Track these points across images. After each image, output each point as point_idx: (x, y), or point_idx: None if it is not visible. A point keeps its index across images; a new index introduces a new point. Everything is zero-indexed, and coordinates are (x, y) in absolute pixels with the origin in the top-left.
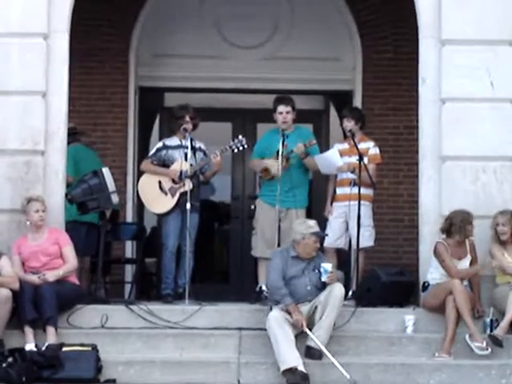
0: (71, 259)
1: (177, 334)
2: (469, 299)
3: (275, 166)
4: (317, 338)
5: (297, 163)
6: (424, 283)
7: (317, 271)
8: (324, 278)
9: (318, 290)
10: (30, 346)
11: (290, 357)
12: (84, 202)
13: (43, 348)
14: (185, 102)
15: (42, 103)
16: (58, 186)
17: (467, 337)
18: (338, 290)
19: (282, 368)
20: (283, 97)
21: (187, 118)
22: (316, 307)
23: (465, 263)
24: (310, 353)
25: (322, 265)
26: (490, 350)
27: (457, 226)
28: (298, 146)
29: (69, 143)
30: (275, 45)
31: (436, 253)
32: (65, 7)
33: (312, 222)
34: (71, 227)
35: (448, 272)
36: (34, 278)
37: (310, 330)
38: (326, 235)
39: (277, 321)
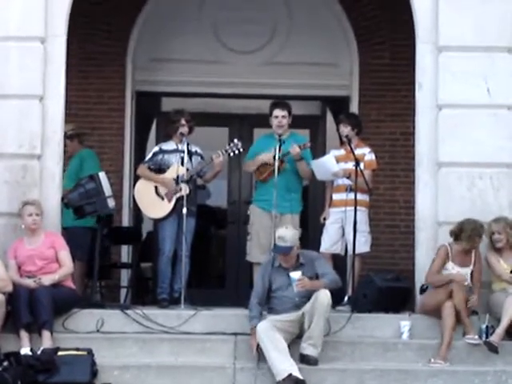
0: (67, 263)
1: (172, 338)
2: (465, 300)
3: (268, 155)
4: (309, 347)
5: (291, 168)
6: (422, 286)
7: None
8: (295, 289)
9: (308, 300)
10: (25, 350)
11: (283, 366)
12: (81, 207)
13: (38, 352)
14: (180, 107)
15: (39, 107)
16: (54, 190)
17: (464, 336)
18: (322, 296)
19: (277, 379)
20: (279, 101)
21: (183, 122)
22: (304, 316)
23: (466, 271)
24: (306, 359)
25: (290, 274)
26: (480, 341)
27: (466, 234)
28: (293, 146)
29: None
30: (273, 50)
31: (436, 252)
32: (62, 11)
33: (281, 233)
34: (74, 233)
35: (429, 271)
36: (29, 282)
37: (301, 337)
38: (285, 250)
39: (266, 332)
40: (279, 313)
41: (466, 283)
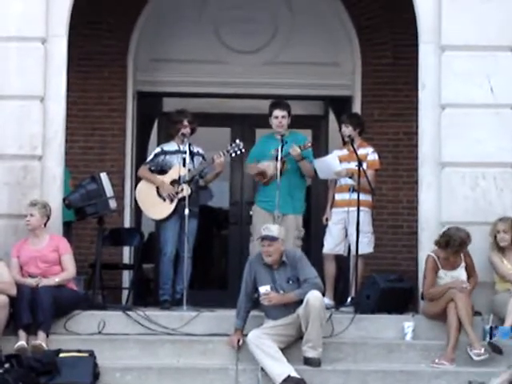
0: (70, 267)
1: (174, 340)
2: (470, 307)
3: (271, 166)
4: (309, 350)
5: (294, 168)
6: (423, 292)
7: (291, 282)
8: (263, 303)
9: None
10: (20, 343)
11: (278, 371)
12: (82, 208)
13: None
14: (182, 107)
15: (39, 108)
16: (55, 191)
17: (468, 348)
18: (313, 299)
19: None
20: (279, 101)
21: (185, 123)
22: (299, 319)
23: (459, 271)
24: (309, 361)
25: (259, 289)
26: (487, 354)
27: (454, 246)
28: (293, 148)
29: None
30: (274, 50)
31: (425, 265)
32: (63, 12)
33: (267, 225)
34: None
35: (424, 286)
36: (31, 281)
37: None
38: (270, 237)
39: (255, 341)
40: (275, 318)
41: (465, 285)
